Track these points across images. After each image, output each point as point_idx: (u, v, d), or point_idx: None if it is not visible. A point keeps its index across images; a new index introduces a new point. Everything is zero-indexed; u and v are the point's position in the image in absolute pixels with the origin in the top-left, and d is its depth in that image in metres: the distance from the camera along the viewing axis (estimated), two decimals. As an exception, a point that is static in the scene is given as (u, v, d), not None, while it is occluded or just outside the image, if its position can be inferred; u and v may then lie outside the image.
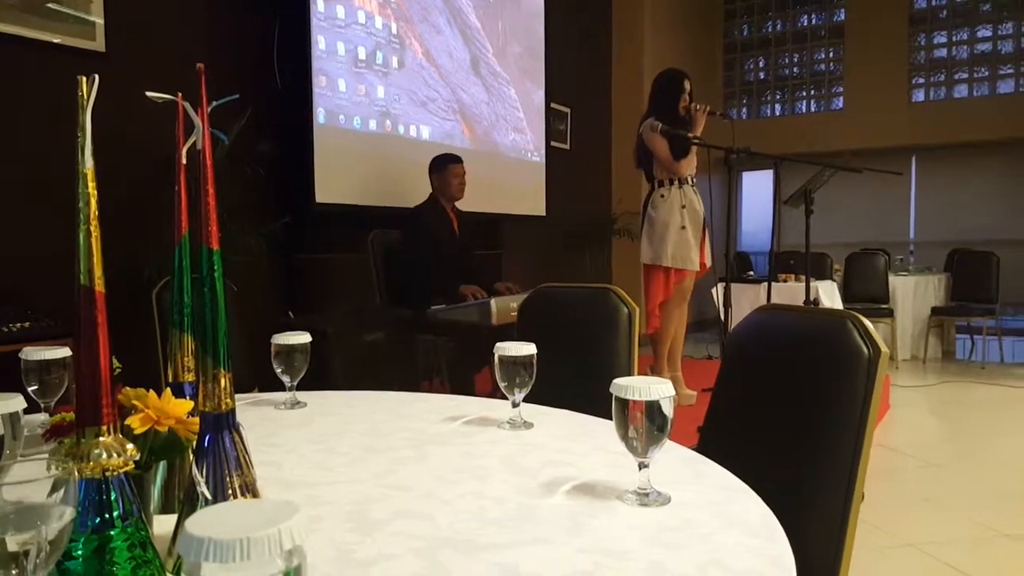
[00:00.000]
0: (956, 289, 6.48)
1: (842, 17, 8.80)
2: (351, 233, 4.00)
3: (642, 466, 0.87)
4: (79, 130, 0.65)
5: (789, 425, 1.19)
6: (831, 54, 8.99)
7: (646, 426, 0.84)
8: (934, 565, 2.48)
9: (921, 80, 8.38)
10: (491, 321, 3.20)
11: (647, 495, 0.87)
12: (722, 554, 0.72)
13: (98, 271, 0.65)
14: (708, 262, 3.97)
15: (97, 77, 0.65)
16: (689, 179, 3.90)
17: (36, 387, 1.27)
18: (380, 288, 3.86)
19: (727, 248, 3.54)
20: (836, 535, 1.10)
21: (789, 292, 4.89)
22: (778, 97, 9.35)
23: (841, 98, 8.85)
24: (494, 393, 3.76)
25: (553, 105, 6.32)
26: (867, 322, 1.16)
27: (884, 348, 1.13)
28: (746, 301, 4.72)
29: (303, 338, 1.47)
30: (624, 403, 0.84)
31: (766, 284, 4.49)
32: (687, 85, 3.93)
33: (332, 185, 4.05)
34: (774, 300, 4.04)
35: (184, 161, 0.90)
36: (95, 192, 0.65)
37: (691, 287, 4.02)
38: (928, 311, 6.29)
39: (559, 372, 1.68)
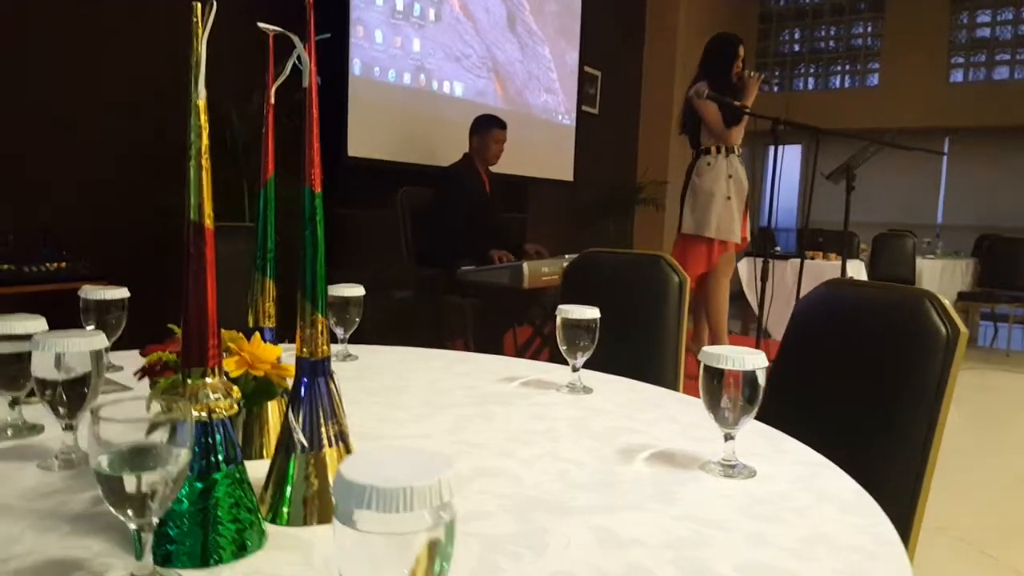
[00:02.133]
0: (984, 275, 6.40)
1: (883, -9, 8.58)
2: (380, 189, 3.97)
3: (728, 437, 0.86)
4: (192, 59, 0.62)
5: (858, 405, 1.17)
6: (869, 28, 8.77)
7: (739, 397, 0.82)
8: (966, 549, 2.49)
9: (960, 60, 8.18)
10: (522, 285, 3.17)
11: (733, 467, 0.85)
12: (825, 529, 0.71)
13: (208, 207, 0.63)
14: (748, 236, 3.92)
15: (215, 3, 0.62)
16: (735, 148, 3.82)
17: (93, 326, 1.26)
18: (407, 246, 3.83)
19: (769, 221, 3.48)
20: (903, 523, 1.08)
21: (817, 270, 4.83)
22: (812, 70, 9.16)
23: (876, 75, 8.66)
24: (520, 356, 3.74)
25: (585, 68, 6.21)
26: (945, 301, 1.13)
27: (963, 329, 1.10)
28: (774, 278, 4.67)
29: (357, 291, 1.45)
30: (718, 373, 0.82)
31: (796, 261, 4.44)
32: (742, 51, 3.82)
33: (364, 139, 4.01)
34: (804, 278, 3.98)
35: (272, 101, 0.87)
36: (207, 124, 0.63)
37: (734, 260, 3.97)
38: (954, 296, 6.22)
39: (605, 339, 1.66)
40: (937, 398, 1.09)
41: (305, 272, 0.71)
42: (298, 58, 0.76)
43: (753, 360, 0.82)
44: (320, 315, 0.71)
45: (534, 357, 3.66)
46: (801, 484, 0.83)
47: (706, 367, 0.84)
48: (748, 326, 6.06)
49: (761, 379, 0.82)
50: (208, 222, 0.63)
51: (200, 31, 0.62)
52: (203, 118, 0.62)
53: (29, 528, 0.67)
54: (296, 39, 0.72)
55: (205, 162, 0.63)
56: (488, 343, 3.65)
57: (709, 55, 3.94)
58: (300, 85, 0.83)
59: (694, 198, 3.86)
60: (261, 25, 0.76)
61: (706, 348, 0.85)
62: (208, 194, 0.63)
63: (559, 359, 1.63)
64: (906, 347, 1.14)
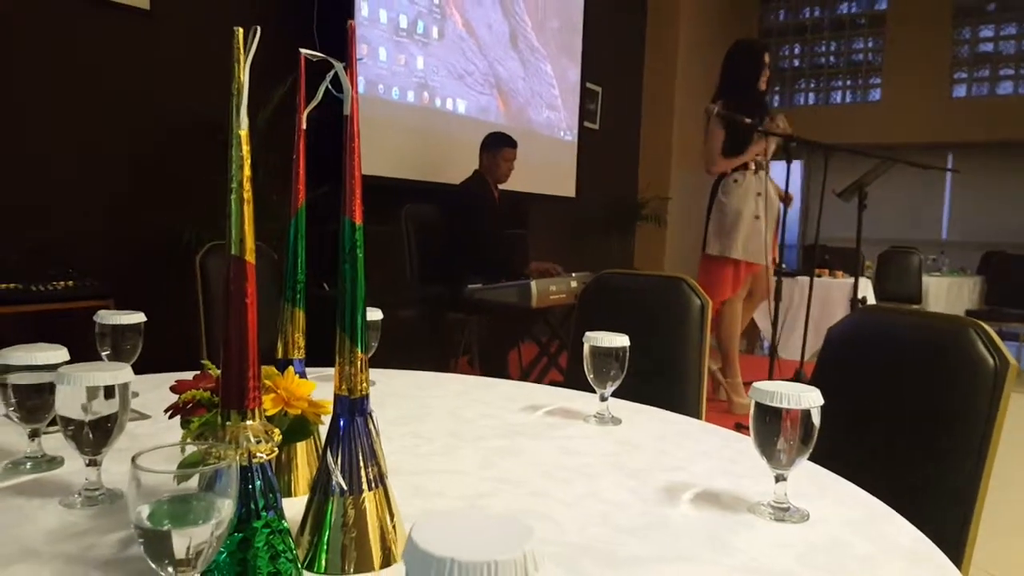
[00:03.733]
0: (991, 293, 6.37)
1: (884, 6, 8.59)
2: (384, 206, 3.93)
3: (779, 478, 0.82)
4: (234, 88, 0.59)
5: (899, 438, 1.14)
6: (870, 44, 8.80)
7: (794, 437, 0.79)
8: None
9: (963, 75, 8.20)
10: (531, 304, 3.14)
11: (785, 510, 0.81)
12: (892, 581, 0.67)
13: (250, 241, 0.60)
14: (777, 257, 3.73)
15: (259, 28, 0.59)
16: (765, 164, 3.63)
17: (109, 352, 1.23)
18: (412, 263, 3.80)
19: (783, 240, 3.44)
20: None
21: (826, 288, 4.81)
22: (812, 86, 9.19)
23: (878, 90, 8.67)
24: (525, 376, 3.68)
25: (586, 84, 6.20)
26: (991, 330, 1.10)
27: (1012, 360, 1.07)
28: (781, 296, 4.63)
29: (375, 314, 1.42)
30: (774, 412, 0.78)
31: (803, 278, 4.42)
32: (766, 59, 3.61)
33: (368, 156, 3.97)
34: (813, 296, 3.94)
35: (304, 126, 0.85)
36: (249, 156, 0.60)
37: (770, 283, 3.68)
38: (962, 313, 6.18)
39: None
40: (986, 433, 1.05)
41: (345, 307, 0.68)
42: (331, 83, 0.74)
43: (809, 398, 0.78)
44: (360, 351, 0.68)
45: (541, 377, 3.62)
46: (857, 529, 0.80)
47: (759, 405, 0.80)
48: (754, 344, 6.03)
49: (816, 418, 0.79)
50: (250, 257, 0.59)
51: (243, 58, 0.59)
52: (245, 149, 0.59)
53: (56, 575, 0.64)
54: (336, 63, 0.69)
55: (247, 194, 0.59)
56: (494, 361, 3.61)
57: (731, 66, 3.68)
58: (310, 101, 0.81)
59: (721, 217, 3.63)
60: (304, 52, 0.73)
61: (757, 384, 0.82)
62: (250, 228, 0.60)
63: (572, 382, 1.59)
64: (951, 379, 1.10)
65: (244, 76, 0.59)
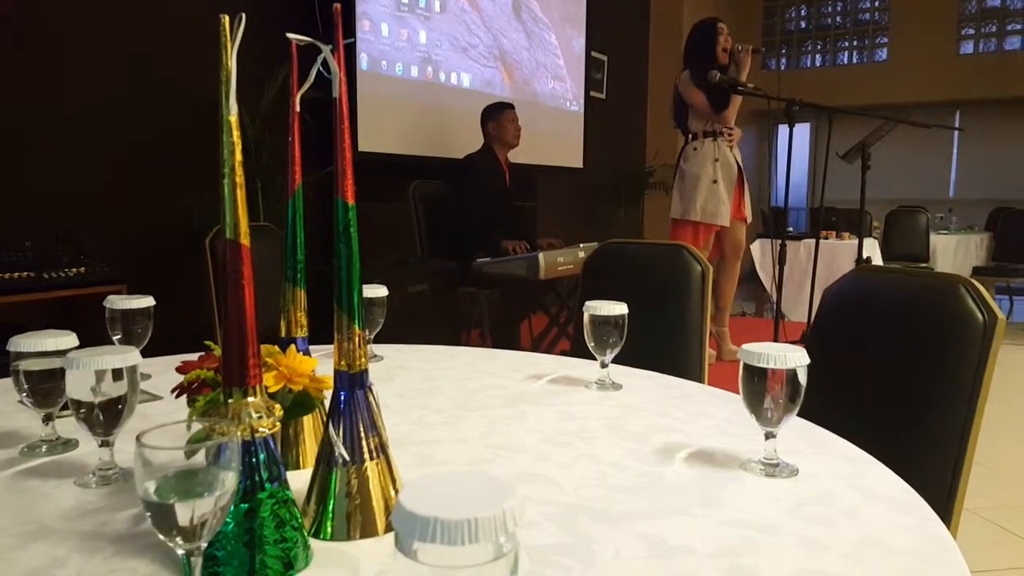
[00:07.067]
0: (999, 249, 6.34)
1: (890, -36, 8.45)
2: (391, 183, 3.95)
3: (769, 436, 0.84)
4: (222, 74, 0.61)
5: (893, 393, 1.16)
6: (876, 3, 8.66)
7: (782, 396, 0.81)
8: (993, 530, 2.47)
9: (971, 31, 8.06)
10: (539, 276, 3.16)
11: (775, 466, 0.84)
12: (875, 531, 0.70)
13: (243, 224, 0.62)
14: (748, 216, 3.94)
15: (244, 16, 0.60)
16: (725, 131, 3.84)
17: (120, 336, 1.26)
18: (421, 239, 3.82)
19: (785, 201, 3.46)
20: (941, 513, 1.06)
21: (832, 250, 4.80)
22: (819, 47, 9.06)
23: (885, 49, 8.55)
24: (536, 347, 3.72)
25: (591, 53, 6.15)
26: (980, 286, 1.11)
27: (1000, 314, 1.08)
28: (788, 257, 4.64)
29: (380, 291, 1.44)
30: (760, 372, 0.81)
31: (810, 241, 4.41)
32: (721, 27, 3.85)
33: (374, 133, 3.99)
34: (819, 258, 3.96)
35: (298, 109, 0.86)
36: (239, 141, 0.62)
37: (743, 242, 3.98)
38: (969, 271, 6.16)
39: (628, 330, 1.65)
40: (976, 386, 1.07)
41: (341, 285, 0.70)
42: (323, 65, 0.75)
43: (795, 358, 0.80)
44: (357, 328, 0.70)
45: (551, 347, 3.65)
46: (845, 482, 0.82)
47: (746, 366, 0.82)
48: (762, 307, 6.03)
49: (803, 377, 0.81)
50: (244, 240, 0.62)
51: (229, 45, 0.61)
52: (235, 134, 0.61)
53: (73, 550, 0.67)
54: (323, 47, 0.70)
55: (239, 178, 0.61)
56: (505, 334, 3.64)
57: (690, 44, 4.00)
58: (318, 82, 0.83)
59: (682, 183, 3.91)
60: (291, 36, 0.75)
61: (746, 346, 0.84)
62: (243, 212, 0.62)
63: (579, 350, 1.62)
64: (942, 334, 1.12)
65: (231, 63, 0.61)
